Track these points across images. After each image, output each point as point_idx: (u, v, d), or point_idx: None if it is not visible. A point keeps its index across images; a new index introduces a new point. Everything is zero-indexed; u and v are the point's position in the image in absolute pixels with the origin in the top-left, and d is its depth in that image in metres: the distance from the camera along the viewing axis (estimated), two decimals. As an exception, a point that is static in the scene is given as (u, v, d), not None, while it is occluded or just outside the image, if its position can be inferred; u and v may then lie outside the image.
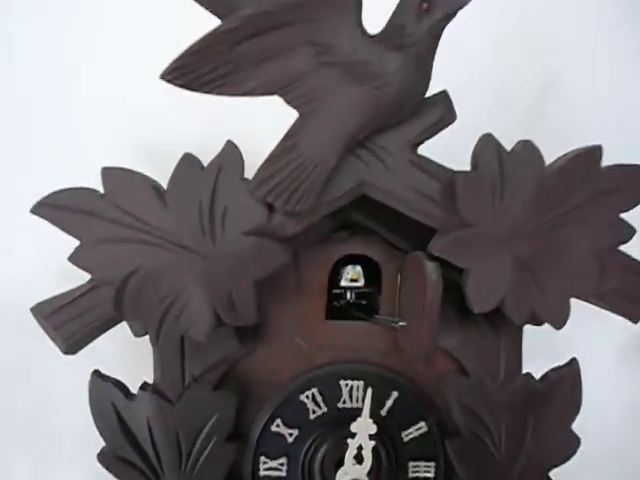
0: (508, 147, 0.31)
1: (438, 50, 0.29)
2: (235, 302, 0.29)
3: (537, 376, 0.39)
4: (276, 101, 0.27)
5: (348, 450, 0.36)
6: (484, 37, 0.47)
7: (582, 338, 0.48)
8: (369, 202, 0.33)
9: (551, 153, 0.32)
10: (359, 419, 0.36)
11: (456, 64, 0.36)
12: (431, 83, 0.30)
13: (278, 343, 0.37)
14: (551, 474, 0.39)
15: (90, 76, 0.49)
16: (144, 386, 0.36)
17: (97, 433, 0.36)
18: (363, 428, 0.35)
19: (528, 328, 0.38)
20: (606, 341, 0.60)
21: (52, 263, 0.48)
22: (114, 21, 0.49)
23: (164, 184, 0.30)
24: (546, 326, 0.35)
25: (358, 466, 0.36)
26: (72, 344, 0.29)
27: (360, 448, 0.36)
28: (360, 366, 0.38)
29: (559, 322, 0.31)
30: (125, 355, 0.39)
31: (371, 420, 0.35)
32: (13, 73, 0.50)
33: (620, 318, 0.35)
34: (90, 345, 0.31)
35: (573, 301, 0.33)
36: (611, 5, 0.52)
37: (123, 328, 0.33)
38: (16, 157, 0.49)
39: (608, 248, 0.30)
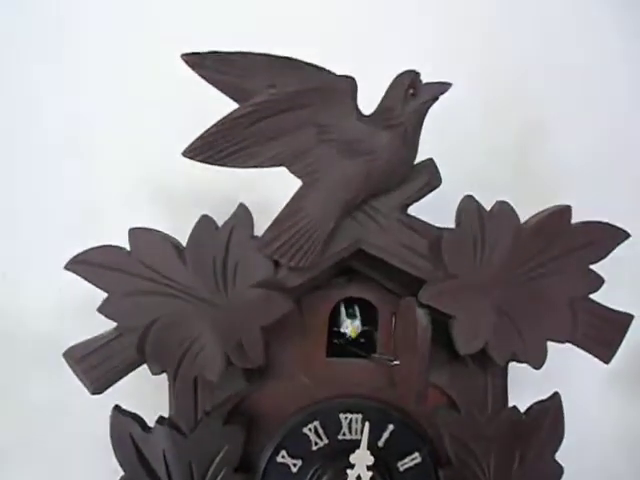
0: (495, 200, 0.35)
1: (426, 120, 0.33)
2: (244, 346, 0.33)
3: (524, 406, 0.42)
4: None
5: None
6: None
7: (567, 369, 0.51)
8: (365, 254, 0.37)
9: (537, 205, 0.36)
10: (357, 451, 0.39)
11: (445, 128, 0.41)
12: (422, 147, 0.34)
13: (283, 380, 0.41)
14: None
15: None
16: (160, 420, 0.39)
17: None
18: (361, 459, 0.38)
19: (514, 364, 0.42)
20: (590, 371, 0.63)
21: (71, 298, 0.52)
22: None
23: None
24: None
25: (357, 495, 0.39)
26: (98, 386, 0.32)
27: (359, 478, 0.39)
28: (358, 400, 0.41)
29: (538, 363, 0.34)
30: (144, 391, 0.42)
31: (368, 452, 0.39)
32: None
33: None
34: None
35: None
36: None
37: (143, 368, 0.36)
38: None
39: (580, 297, 0.34)
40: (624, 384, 0.63)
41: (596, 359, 0.39)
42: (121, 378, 0.33)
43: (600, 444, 0.57)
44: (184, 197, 0.54)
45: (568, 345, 0.38)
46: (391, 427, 0.41)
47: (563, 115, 0.54)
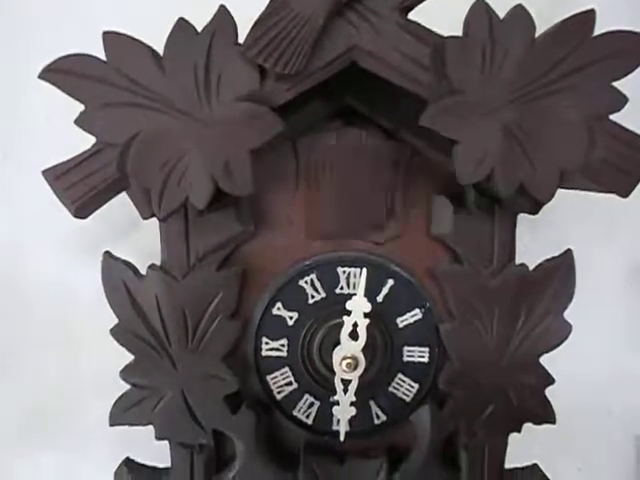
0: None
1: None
2: (232, 170, 0.31)
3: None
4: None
5: (344, 327, 0.37)
6: None
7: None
8: (363, 85, 0.34)
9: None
10: (355, 297, 0.37)
11: None
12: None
13: (278, 230, 0.39)
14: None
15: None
16: (152, 266, 0.38)
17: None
18: (358, 306, 0.37)
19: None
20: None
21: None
22: None
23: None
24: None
25: (353, 343, 0.38)
26: (80, 206, 0.31)
27: (355, 325, 0.38)
28: (357, 254, 0.40)
29: (546, 195, 0.31)
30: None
31: (365, 298, 0.37)
32: None
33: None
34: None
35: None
36: None
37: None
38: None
39: (598, 116, 0.30)
40: None
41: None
42: (104, 202, 0.32)
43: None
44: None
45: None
46: (391, 282, 0.40)
47: None
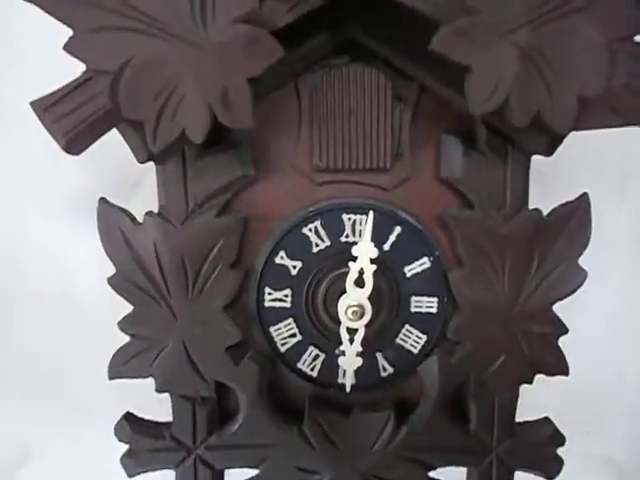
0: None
1: None
2: (230, 100, 0.29)
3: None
4: None
5: (349, 274, 0.36)
6: None
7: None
8: (370, 17, 0.32)
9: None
10: (360, 243, 0.36)
11: None
12: None
13: (280, 175, 0.38)
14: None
15: None
16: (150, 213, 0.37)
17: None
18: (364, 251, 0.36)
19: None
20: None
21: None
22: None
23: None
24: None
25: (359, 290, 0.36)
26: (72, 140, 0.29)
27: (361, 272, 0.36)
28: (363, 200, 0.38)
29: (564, 125, 0.30)
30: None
31: (372, 243, 0.36)
32: None
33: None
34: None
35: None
36: None
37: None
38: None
39: (621, 38, 0.28)
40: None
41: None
42: (96, 137, 0.30)
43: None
44: None
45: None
46: (398, 229, 0.38)
47: None
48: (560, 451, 0.44)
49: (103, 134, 0.30)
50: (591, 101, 0.29)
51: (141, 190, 0.54)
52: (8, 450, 0.62)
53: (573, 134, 0.32)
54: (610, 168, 0.58)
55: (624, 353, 0.63)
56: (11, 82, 0.53)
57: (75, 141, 0.29)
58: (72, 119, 0.28)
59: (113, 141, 0.48)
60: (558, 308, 0.40)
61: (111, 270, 0.38)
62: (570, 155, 0.46)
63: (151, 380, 0.39)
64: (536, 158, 0.37)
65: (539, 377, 0.41)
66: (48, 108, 0.28)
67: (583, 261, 0.39)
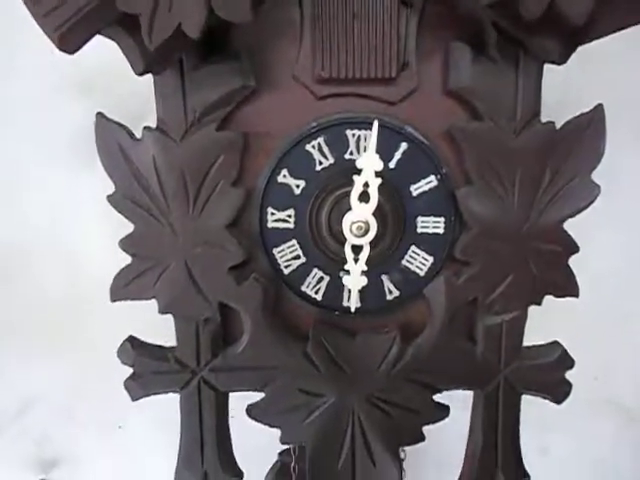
0: None
1: None
2: (228, -9, 0.28)
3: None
4: None
5: (354, 188, 0.35)
6: None
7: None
8: None
9: None
10: (365, 154, 0.35)
11: None
12: None
13: (282, 88, 0.36)
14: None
15: None
16: (148, 128, 0.36)
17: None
18: (369, 163, 0.35)
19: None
20: None
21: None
22: None
23: None
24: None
25: (364, 205, 0.35)
26: (64, 35, 0.28)
27: (366, 186, 0.35)
28: (368, 114, 0.37)
29: (579, 14, 0.28)
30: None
31: (377, 155, 0.35)
32: None
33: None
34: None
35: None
36: None
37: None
38: None
39: None
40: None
41: None
42: (91, 34, 0.29)
43: None
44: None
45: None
46: (404, 145, 0.37)
47: None
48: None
49: (97, 31, 0.29)
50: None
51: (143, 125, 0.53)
52: (11, 398, 0.63)
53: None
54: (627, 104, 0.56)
55: (633, 293, 0.63)
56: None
57: (68, 36, 0.28)
58: (64, 11, 0.27)
59: (113, 75, 0.47)
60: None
61: (115, 216, 0.37)
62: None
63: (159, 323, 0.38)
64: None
65: (546, 319, 0.40)
66: (38, 1, 0.27)
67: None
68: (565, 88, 0.41)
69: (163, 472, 0.47)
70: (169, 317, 0.39)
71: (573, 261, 0.38)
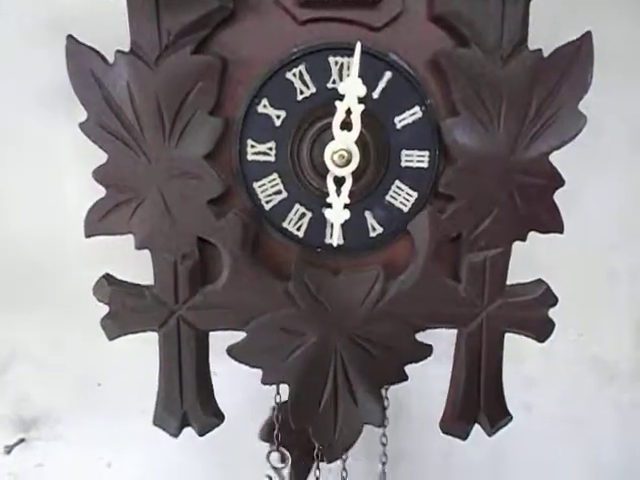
0: None
1: None
2: None
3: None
4: None
5: (336, 114, 0.34)
6: None
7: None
8: None
9: None
10: (347, 79, 0.34)
11: None
12: None
13: (261, 11, 0.35)
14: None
15: None
16: (121, 52, 0.34)
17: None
18: (351, 88, 0.33)
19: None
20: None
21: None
22: None
23: None
24: None
25: (346, 133, 0.34)
26: None
27: (349, 113, 0.34)
28: (351, 41, 0.35)
29: None
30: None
31: (360, 80, 0.33)
32: None
33: None
34: None
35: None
36: None
37: None
38: None
39: None
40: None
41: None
42: None
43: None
44: None
45: None
46: (388, 75, 0.36)
47: None
48: (551, 352, 0.43)
49: None
50: None
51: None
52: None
53: None
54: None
55: (618, 250, 0.62)
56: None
57: None
58: None
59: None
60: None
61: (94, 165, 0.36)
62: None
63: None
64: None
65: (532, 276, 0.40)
66: None
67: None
68: (555, 26, 0.40)
69: (141, 430, 0.47)
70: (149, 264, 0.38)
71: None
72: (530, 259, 0.43)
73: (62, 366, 0.62)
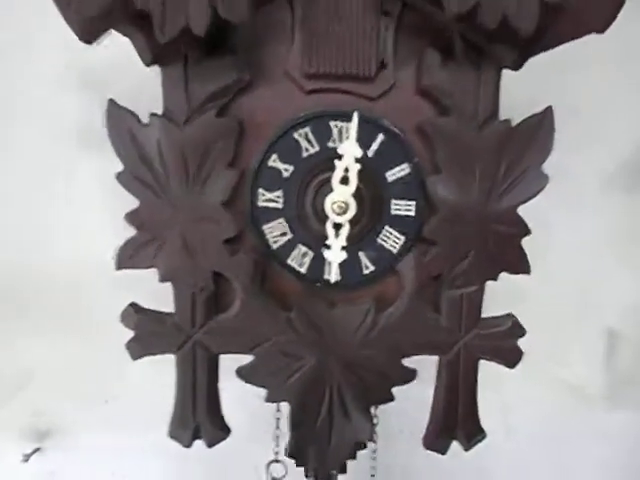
0: None
1: None
2: (230, -4, 0.33)
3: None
4: None
5: (335, 172, 0.40)
6: None
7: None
8: None
9: None
10: (346, 142, 0.40)
11: None
12: None
13: (274, 83, 0.41)
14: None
15: None
16: (155, 114, 0.40)
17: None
18: (349, 150, 0.39)
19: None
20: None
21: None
22: None
23: None
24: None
25: (344, 187, 0.40)
26: (85, 26, 0.32)
27: (347, 171, 0.40)
28: (350, 109, 0.41)
29: (528, 27, 0.33)
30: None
31: (357, 143, 0.39)
32: None
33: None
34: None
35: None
36: None
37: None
38: None
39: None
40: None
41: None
42: (108, 26, 0.33)
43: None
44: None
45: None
46: (381, 137, 0.42)
47: None
48: (523, 373, 0.48)
49: (115, 24, 0.33)
50: (552, 7, 0.33)
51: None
52: (13, 373, 0.66)
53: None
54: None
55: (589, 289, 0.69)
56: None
57: (89, 28, 0.32)
58: (87, 4, 0.32)
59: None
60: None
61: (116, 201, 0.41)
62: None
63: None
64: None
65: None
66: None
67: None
68: (519, 92, 0.47)
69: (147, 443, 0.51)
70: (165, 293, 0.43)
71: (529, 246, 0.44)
72: (510, 290, 0.49)
73: (75, 384, 0.67)
